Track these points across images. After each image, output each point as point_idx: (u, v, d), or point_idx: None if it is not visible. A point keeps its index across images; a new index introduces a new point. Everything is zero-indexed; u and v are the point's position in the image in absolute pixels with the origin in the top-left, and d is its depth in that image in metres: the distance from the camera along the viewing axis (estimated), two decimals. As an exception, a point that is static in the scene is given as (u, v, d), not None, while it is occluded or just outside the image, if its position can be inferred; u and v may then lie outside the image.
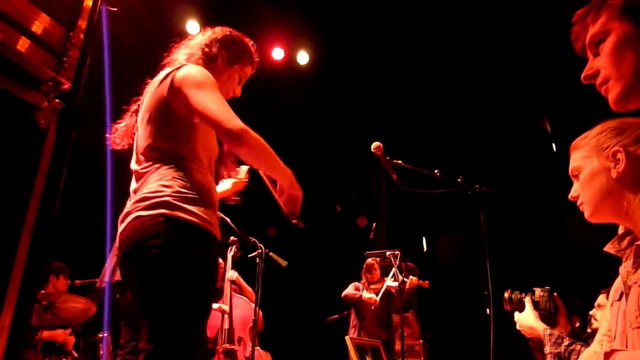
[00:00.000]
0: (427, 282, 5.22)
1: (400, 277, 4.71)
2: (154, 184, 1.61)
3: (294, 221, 1.80)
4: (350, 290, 5.23)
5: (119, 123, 1.90)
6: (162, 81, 1.70)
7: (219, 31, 1.89)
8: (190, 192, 1.60)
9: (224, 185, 2.27)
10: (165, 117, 1.67)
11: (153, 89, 1.72)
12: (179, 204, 1.56)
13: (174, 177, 1.61)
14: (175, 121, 1.66)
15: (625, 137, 1.21)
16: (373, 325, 5.03)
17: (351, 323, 5.20)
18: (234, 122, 1.57)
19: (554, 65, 5.46)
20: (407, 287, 5.10)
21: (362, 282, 5.32)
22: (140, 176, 1.68)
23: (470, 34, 5.78)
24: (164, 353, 1.47)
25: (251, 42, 1.94)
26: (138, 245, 1.54)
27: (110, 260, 3.22)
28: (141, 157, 1.70)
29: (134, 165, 1.74)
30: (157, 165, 1.65)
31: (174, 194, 1.58)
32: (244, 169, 2.32)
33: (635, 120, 1.23)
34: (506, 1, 5.37)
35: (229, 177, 2.30)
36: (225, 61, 1.84)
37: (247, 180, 2.32)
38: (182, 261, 1.53)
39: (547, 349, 1.62)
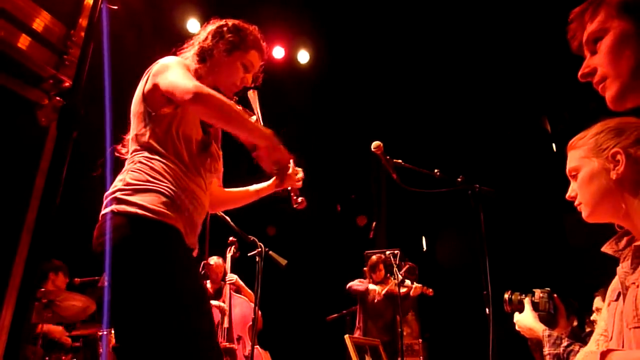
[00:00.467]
0: (431, 290, 5.20)
1: (400, 277, 4.70)
2: (115, 181, 1.61)
3: (294, 198, 1.68)
4: (355, 282, 5.20)
5: (128, 135, 1.85)
6: (142, 78, 1.71)
7: (214, 23, 1.86)
8: (142, 183, 1.55)
9: (265, 182, 2.06)
10: (139, 111, 1.67)
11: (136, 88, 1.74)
12: (125, 197, 1.53)
13: (130, 170, 1.59)
14: (145, 115, 1.65)
15: (624, 138, 1.21)
16: (376, 326, 5.01)
17: (357, 324, 5.16)
18: (186, 83, 1.54)
19: (554, 65, 5.46)
20: (411, 294, 5.10)
21: (367, 280, 5.27)
22: None
23: (470, 33, 5.77)
24: (125, 353, 1.46)
25: (252, 27, 1.87)
26: (93, 246, 1.53)
27: None
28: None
29: None
30: (127, 161, 1.65)
31: (123, 188, 1.55)
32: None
33: (634, 120, 1.23)
34: (506, 1, 5.36)
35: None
36: (222, 52, 1.79)
37: (296, 175, 2.00)
38: (127, 256, 1.47)
39: (546, 350, 1.62)
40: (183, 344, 1.46)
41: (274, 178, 2.05)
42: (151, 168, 1.59)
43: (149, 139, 1.63)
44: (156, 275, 1.48)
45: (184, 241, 1.60)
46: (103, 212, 1.56)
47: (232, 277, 4.54)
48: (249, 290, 4.61)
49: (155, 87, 1.62)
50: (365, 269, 5.37)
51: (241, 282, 4.63)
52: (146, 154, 1.62)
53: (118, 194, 1.54)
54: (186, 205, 1.61)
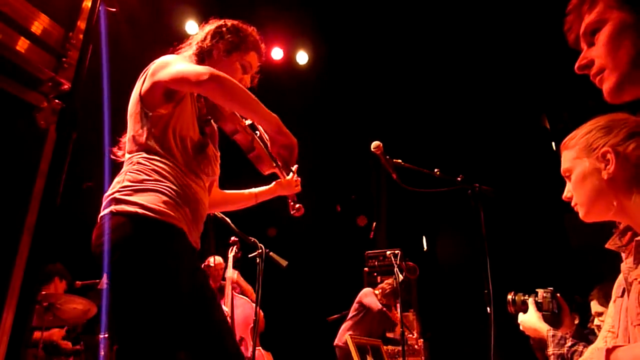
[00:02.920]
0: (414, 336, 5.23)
1: (401, 277, 4.69)
2: (114, 181, 1.61)
3: (292, 204, 1.69)
4: (375, 300, 5.14)
5: (124, 137, 1.84)
6: (139, 78, 1.70)
7: (213, 24, 1.86)
8: (141, 183, 1.55)
9: (265, 187, 2.08)
10: (135, 112, 1.66)
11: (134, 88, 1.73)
12: (124, 197, 1.52)
13: (128, 172, 1.58)
14: (141, 115, 1.64)
15: (613, 136, 1.20)
16: (378, 333, 5.00)
17: (350, 329, 5.09)
18: (198, 69, 1.55)
19: (552, 63, 5.46)
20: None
21: (378, 294, 5.25)
22: None
23: (469, 32, 5.77)
24: (125, 354, 1.46)
25: (251, 29, 1.88)
26: (93, 247, 1.52)
27: None
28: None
29: None
30: (126, 162, 1.65)
31: (122, 189, 1.54)
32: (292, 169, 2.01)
33: (623, 116, 1.22)
34: (505, 0, 5.37)
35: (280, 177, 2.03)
36: (222, 52, 1.79)
37: (296, 181, 2.04)
38: (127, 256, 1.45)
39: (550, 350, 1.62)
40: (188, 343, 1.48)
41: (273, 183, 2.08)
42: (150, 168, 1.58)
43: (146, 139, 1.62)
44: (160, 275, 1.46)
45: (188, 240, 1.60)
46: (102, 213, 1.55)
47: (232, 274, 4.50)
48: (249, 287, 4.62)
49: (154, 86, 1.61)
50: (379, 293, 5.29)
51: (242, 279, 4.62)
52: (144, 154, 1.61)
53: (117, 195, 1.54)
54: (187, 204, 1.61)
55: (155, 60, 1.69)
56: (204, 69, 1.54)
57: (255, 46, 1.87)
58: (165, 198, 1.54)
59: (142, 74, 1.70)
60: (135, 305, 1.45)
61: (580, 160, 1.26)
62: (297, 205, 2.01)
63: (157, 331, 1.43)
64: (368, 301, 5.11)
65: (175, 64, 1.60)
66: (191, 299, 1.54)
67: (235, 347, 1.65)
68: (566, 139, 1.32)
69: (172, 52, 1.86)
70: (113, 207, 1.51)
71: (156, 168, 1.59)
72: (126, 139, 1.70)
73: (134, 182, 1.56)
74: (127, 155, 1.66)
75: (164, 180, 1.58)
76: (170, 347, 1.44)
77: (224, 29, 1.82)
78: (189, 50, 1.83)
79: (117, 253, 1.45)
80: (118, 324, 1.49)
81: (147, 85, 1.63)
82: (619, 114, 1.22)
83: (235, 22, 1.87)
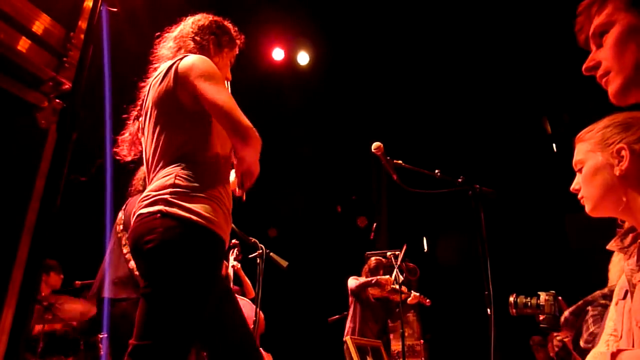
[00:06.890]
0: (429, 300, 5.13)
1: (401, 277, 4.68)
2: (158, 182, 1.59)
3: (239, 194, 1.77)
4: (356, 280, 4.98)
5: (122, 134, 1.86)
6: (165, 75, 1.67)
7: (203, 19, 1.89)
8: (192, 189, 1.56)
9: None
10: (172, 111, 1.64)
11: (156, 85, 1.69)
12: (176, 201, 1.53)
13: (178, 175, 1.58)
14: (183, 115, 1.63)
15: (630, 134, 1.20)
16: (372, 329, 4.94)
17: (348, 324, 5.05)
18: (245, 119, 1.55)
19: (554, 66, 5.46)
20: (408, 301, 5.04)
21: (362, 276, 5.14)
22: (150, 176, 1.68)
23: (471, 34, 5.78)
24: (149, 350, 1.46)
25: (231, 24, 1.94)
26: (136, 241, 1.54)
27: (101, 273, 3.03)
28: (151, 156, 1.69)
29: (145, 167, 1.73)
30: (164, 163, 1.63)
31: (173, 191, 1.54)
32: None
33: None
34: (507, 2, 5.37)
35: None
36: (216, 47, 1.85)
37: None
38: (176, 258, 1.49)
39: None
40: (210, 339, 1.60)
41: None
42: (201, 175, 1.59)
43: (190, 142, 1.62)
44: (203, 279, 1.53)
45: (224, 250, 1.65)
46: (145, 210, 1.55)
47: (235, 263, 4.48)
48: (249, 282, 4.61)
49: (188, 86, 1.60)
50: (365, 268, 5.25)
51: (242, 272, 4.60)
52: (193, 158, 1.61)
53: (168, 197, 1.54)
54: (227, 210, 1.65)
55: (186, 58, 1.67)
56: (249, 123, 1.55)
57: (237, 43, 1.96)
58: (216, 206, 1.58)
59: (167, 69, 1.67)
60: (174, 303, 1.48)
61: (593, 153, 1.25)
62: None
63: (189, 331, 1.49)
64: (349, 285, 5.01)
65: (218, 85, 1.59)
66: (217, 299, 1.62)
67: (252, 341, 1.72)
68: (582, 132, 1.32)
69: (160, 39, 1.90)
70: (163, 208, 1.52)
71: (205, 175, 1.60)
72: (161, 141, 1.65)
73: (186, 187, 1.56)
74: (166, 155, 1.63)
75: (212, 187, 1.60)
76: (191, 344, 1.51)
77: (215, 25, 1.87)
78: (178, 43, 1.83)
79: (168, 254, 1.49)
80: (149, 324, 1.50)
81: (179, 83, 1.62)
82: (637, 113, 1.22)
83: (220, 19, 1.92)
